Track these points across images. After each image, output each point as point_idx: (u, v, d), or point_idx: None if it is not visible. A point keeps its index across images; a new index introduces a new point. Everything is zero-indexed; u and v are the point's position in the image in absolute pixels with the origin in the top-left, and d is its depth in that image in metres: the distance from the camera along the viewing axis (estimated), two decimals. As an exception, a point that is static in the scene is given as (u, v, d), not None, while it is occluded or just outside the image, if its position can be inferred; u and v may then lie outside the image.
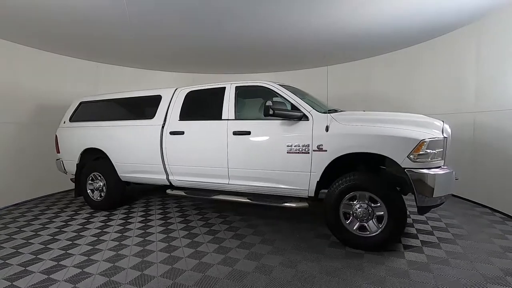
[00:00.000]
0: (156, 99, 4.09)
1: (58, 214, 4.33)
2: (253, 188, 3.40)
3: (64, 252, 3.01)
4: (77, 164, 4.58)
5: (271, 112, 2.93)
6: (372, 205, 2.84)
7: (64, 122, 4.81)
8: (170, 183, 3.96)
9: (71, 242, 3.25)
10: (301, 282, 2.34)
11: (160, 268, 2.61)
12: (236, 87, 3.59)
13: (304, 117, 3.10)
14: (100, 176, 4.47)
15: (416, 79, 5.45)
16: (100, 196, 4.51)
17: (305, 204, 3.13)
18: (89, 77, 6.17)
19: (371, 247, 2.84)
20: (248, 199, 3.40)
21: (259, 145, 3.28)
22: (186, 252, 2.94)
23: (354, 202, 2.90)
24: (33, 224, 3.90)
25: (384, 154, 2.71)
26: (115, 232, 3.54)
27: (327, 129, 2.94)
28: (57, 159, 4.86)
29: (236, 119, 3.46)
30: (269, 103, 2.95)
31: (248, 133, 3.32)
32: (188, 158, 3.69)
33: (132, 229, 3.60)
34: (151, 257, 2.85)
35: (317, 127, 3.00)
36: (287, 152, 3.11)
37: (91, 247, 3.10)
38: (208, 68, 7.26)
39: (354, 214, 2.90)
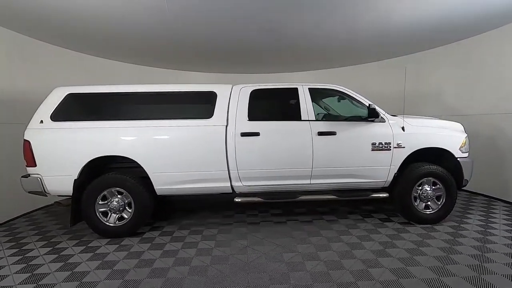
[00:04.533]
0: (209, 96, 3.55)
1: (67, 259, 3.01)
2: (335, 185, 3.60)
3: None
4: (75, 180, 3.31)
5: (373, 113, 3.29)
6: (433, 187, 3.66)
7: (42, 122, 3.35)
8: (233, 190, 3.55)
9: None
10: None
11: None
12: (309, 88, 3.67)
13: (381, 119, 3.60)
14: (121, 193, 3.41)
15: (471, 75, 4.96)
16: (120, 219, 3.43)
17: (386, 194, 3.63)
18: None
19: (434, 221, 3.63)
20: (335, 196, 3.57)
21: (345, 144, 3.50)
22: None
23: (421, 187, 3.64)
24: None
25: (446, 148, 3.59)
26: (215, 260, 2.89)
27: (403, 129, 3.55)
28: (23, 176, 3.33)
29: (316, 120, 3.56)
30: (373, 106, 3.28)
31: (334, 133, 3.49)
32: (265, 161, 3.45)
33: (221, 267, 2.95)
34: None
35: (394, 127, 3.57)
36: (371, 150, 3.51)
37: None
38: (232, 69, 6.94)
39: (421, 197, 3.63)
